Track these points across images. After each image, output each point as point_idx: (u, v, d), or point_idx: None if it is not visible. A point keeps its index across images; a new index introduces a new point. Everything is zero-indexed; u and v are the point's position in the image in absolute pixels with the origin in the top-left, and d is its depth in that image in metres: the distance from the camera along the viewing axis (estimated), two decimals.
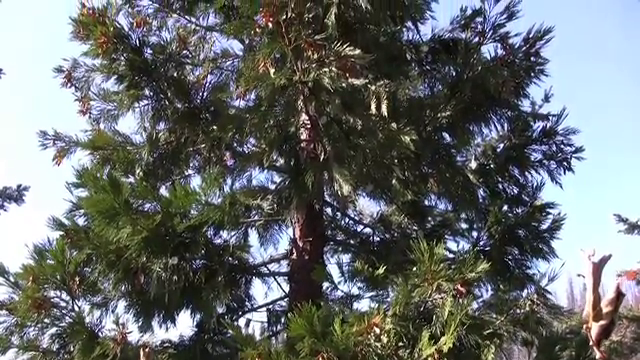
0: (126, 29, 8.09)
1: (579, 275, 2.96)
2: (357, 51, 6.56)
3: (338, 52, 6.56)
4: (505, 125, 8.68)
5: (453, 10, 8.76)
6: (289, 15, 6.59)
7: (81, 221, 7.90)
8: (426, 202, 9.44)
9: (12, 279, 7.45)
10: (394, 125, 7.26)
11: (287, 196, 8.18)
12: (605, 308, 3.03)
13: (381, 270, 6.89)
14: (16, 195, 20.12)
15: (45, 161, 9.12)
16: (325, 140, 7.66)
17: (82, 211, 7.89)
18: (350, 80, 6.67)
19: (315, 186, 7.43)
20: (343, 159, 7.50)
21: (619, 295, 3.03)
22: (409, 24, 8.79)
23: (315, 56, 6.63)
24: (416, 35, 8.85)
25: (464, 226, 9.21)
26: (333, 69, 6.56)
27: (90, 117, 9.05)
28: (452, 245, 9.00)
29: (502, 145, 8.97)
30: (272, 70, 6.66)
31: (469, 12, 8.52)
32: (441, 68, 8.76)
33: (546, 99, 8.88)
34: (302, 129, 8.25)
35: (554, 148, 8.80)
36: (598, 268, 2.94)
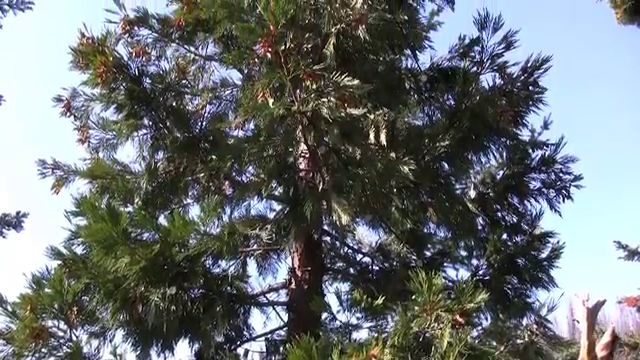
0: (125, 58, 8.15)
1: (574, 320, 2.95)
2: (356, 81, 6.57)
3: (337, 82, 6.57)
4: (504, 154, 8.67)
5: (452, 38, 8.83)
6: (288, 45, 6.60)
7: (79, 250, 7.87)
8: (425, 230, 9.42)
9: (10, 308, 7.40)
10: (393, 155, 7.28)
11: (286, 226, 8.17)
12: (600, 352, 3.01)
13: (380, 300, 6.85)
14: (15, 222, 20.07)
15: (44, 189, 9.11)
16: (324, 170, 7.65)
17: (80, 239, 7.86)
18: (349, 110, 6.68)
19: (314, 216, 7.40)
20: (342, 189, 7.49)
21: (615, 339, 3.01)
22: (408, 52, 8.84)
23: (314, 86, 6.64)
24: (414, 63, 8.89)
25: (463, 253, 9.18)
26: (332, 99, 6.56)
27: (89, 146, 9.07)
28: (451, 273, 8.99)
29: (501, 172, 8.97)
30: (271, 100, 6.66)
31: (467, 41, 8.56)
32: (440, 97, 8.78)
33: (545, 126, 8.88)
34: (301, 159, 8.26)
35: (553, 176, 8.80)
36: (592, 313, 2.93)
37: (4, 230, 19.90)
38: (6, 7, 19.77)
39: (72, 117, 8.90)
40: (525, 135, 8.78)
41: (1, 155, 33.39)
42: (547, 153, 8.74)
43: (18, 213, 20.06)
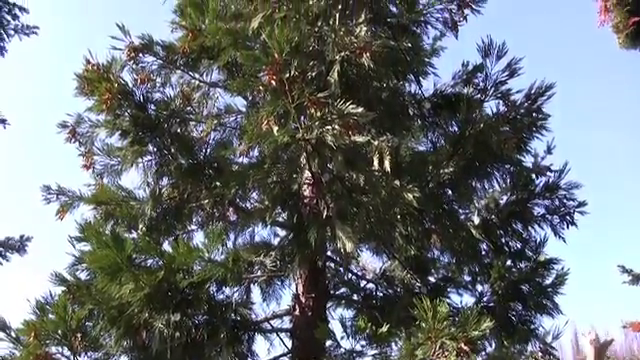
0: (130, 85, 8.19)
1: None
2: (360, 109, 6.61)
3: (341, 110, 6.60)
4: (508, 180, 8.68)
5: (455, 63, 8.88)
6: (292, 73, 6.64)
7: (83, 275, 7.88)
8: (429, 255, 9.41)
9: (14, 334, 7.40)
10: (397, 182, 7.28)
11: (290, 252, 8.17)
12: None
13: (384, 328, 6.85)
14: (18, 245, 20.06)
15: (48, 214, 9.14)
16: (328, 197, 7.66)
17: (85, 265, 7.87)
18: (353, 137, 6.70)
19: (318, 243, 7.40)
20: (346, 216, 7.48)
21: None
22: (411, 78, 8.88)
23: (318, 114, 6.67)
24: (418, 90, 8.94)
25: (467, 278, 9.16)
26: (336, 126, 6.59)
27: (94, 172, 9.11)
28: (456, 298, 8.95)
29: (505, 198, 8.97)
30: (275, 128, 6.69)
31: (470, 67, 8.61)
32: (443, 123, 8.80)
33: (548, 151, 8.90)
34: (305, 185, 8.26)
35: (557, 202, 8.80)
36: (600, 353, 2.91)
37: (7, 254, 19.86)
38: (11, 32, 19.89)
39: (77, 143, 8.93)
40: (529, 161, 8.81)
41: (4, 179, 33.39)
42: (551, 179, 8.75)
43: (22, 237, 20.04)
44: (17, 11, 19.80)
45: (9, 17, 19.80)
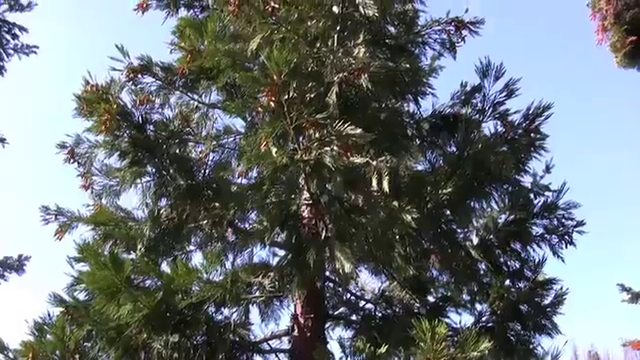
0: (129, 106, 8.20)
1: None
2: (358, 130, 6.64)
3: (339, 131, 6.63)
4: (506, 200, 8.68)
5: (454, 81, 8.92)
6: (291, 94, 6.66)
7: (82, 296, 7.89)
8: (428, 275, 9.40)
9: (12, 355, 7.39)
10: (395, 203, 7.29)
11: (288, 273, 8.16)
12: None
13: (383, 349, 6.84)
14: (17, 265, 20.05)
15: (46, 234, 9.14)
16: (327, 218, 7.67)
17: (83, 285, 7.87)
18: (351, 158, 6.72)
19: (316, 264, 7.40)
20: (345, 237, 7.50)
21: None
22: (409, 97, 8.92)
23: (317, 135, 6.70)
24: (417, 110, 8.98)
25: (466, 297, 9.15)
26: (335, 148, 6.61)
27: (92, 192, 9.11)
28: (455, 317, 8.94)
29: (503, 217, 8.97)
30: (274, 149, 6.72)
31: (469, 88, 8.66)
32: (442, 144, 8.83)
33: (547, 170, 8.92)
34: (304, 206, 8.27)
35: (555, 222, 8.79)
36: None
37: (6, 273, 19.86)
38: (11, 51, 19.97)
39: (76, 163, 8.94)
40: (527, 181, 8.83)
41: (3, 198, 33.38)
42: (549, 199, 8.75)
43: (20, 256, 20.06)
44: (17, 30, 19.91)
45: (9, 36, 19.90)
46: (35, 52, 20.05)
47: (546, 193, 8.81)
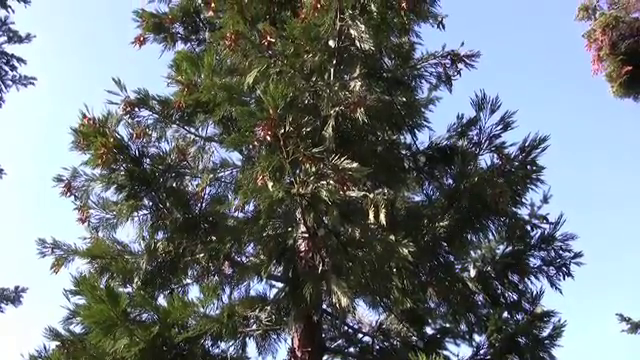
0: (126, 139, 8.21)
1: None
2: (355, 164, 6.64)
3: (336, 165, 6.63)
4: (503, 232, 8.69)
5: (451, 111, 8.96)
6: (287, 128, 6.67)
7: (78, 329, 7.86)
8: (425, 307, 9.38)
9: None
10: (392, 237, 7.28)
11: (285, 306, 8.15)
12: None
13: None
14: (13, 296, 19.96)
15: (43, 265, 9.12)
16: (323, 251, 7.67)
17: (79, 319, 7.84)
18: (348, 192, 6.72)
19: (313, 297, 7.39)
20: (341, 271, 7.49)
21: None
22: (406, 129, 8.94)
23: (313, 169, 6.70)
24: (413, 143, 8.99)
25: (464, 328, 9.13)
26: (331, 182, 6.61)
27: (89, 225, 9.08)
28: (453, 348, 8.94)
29: (501, 247, 8.98)
30: (270, 183, 6.72)
31: (465, 120, 8.68)
32: (439, 176, 8.85)
33: (545, 200, 8.94)
34: (300, 240, 8.27)
35: (553, 254, 8.80)
36: None
37: (2, 305, 19.77)
38: (9, 83, 20.03)
39: (72, 197, 8.93)
40: (525, 212, 8.84)
41: (1, 230, 33.31)
42: (546, 231, 8.76)
43: (17, 288, 19.97)
44: (15, 62, 19.98)
45: (7, 68, 19.97)
46: (33, 83, 20.12)
47: (543, 224, 8.83)
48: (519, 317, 8.72)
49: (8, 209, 32.65)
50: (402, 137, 9.22)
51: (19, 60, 20.00)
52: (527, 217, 8.93)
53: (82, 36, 35.18)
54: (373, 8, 7.85)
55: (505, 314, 8.72)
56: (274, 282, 9.13)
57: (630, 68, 17.98)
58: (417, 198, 9.25)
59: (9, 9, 19.83)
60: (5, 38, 19.79)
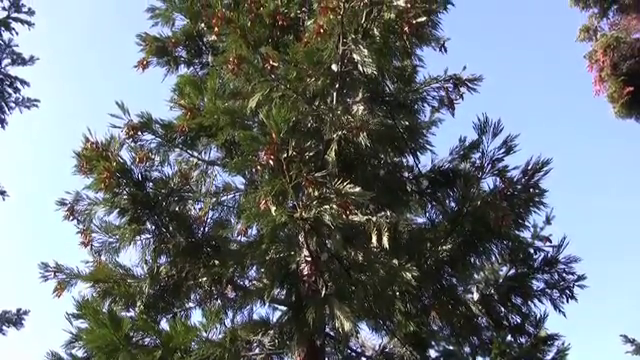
0: (129, 163, 8.25)
1: None
2: (357, 188, 6.65)
3: (339, 190, 6.64)
4: (506, 256, 8.67)
5: (453, 133, 8.97)
6: (290, 153, 6.69)
7: (80, 353, 7.84)
8: (429, 329, 9.35)
9: None
10: (395, 261, 7.28)
11: (288, 331, 8.13)
12: None
13: None
14: (15, 319, 19.90)
15: (46, 288, 9.10)
16: (326, 275, 7.66)
17: (81, 342, 7.82)
18: (351, 217, 6.73)
19: (316, 322, 7.37)
20: (344, 295, 7.47)
21: None
22: (408, 152, 8.96)
23: (316, 193, 6.71)
24: (416, 166, 9.01)
25: (468, 351, 9.09)
26: (334, 206, 6.61)
27: (92, 249, 9.06)
28: None
29: (504, 269, 8.96)
30: (273, 208, 6.71)
31: (467, 143, 8.70)
32: (441, 199, 8.85)
33: (547, 222, 8.93)
34: (303, 264, 8.26)
35: (556, 277, 8.77)
36: None
37: (4, 327, 19.71)
38: (12, 105, 20.08)
39: (75, 220, 8.92)
40: (528, 234, 8.83)
41: (2, 251, 33.32)
42: (550, 254, 8.75)
43: (19, 310, 19.91)
44: (18, 84, 20.05)
45: (10, 90, 20.04)
46: (36, 106, 20.18)
47: (547, 246, 8.82)
48: (523, 340, 8.69)
49: (10, 231, 32.65)
50: (405, 160, 9.24)
51: (22, 82, 20.07)
52: (530, 239, 8.92)
53: (85, 59, 35.31)
54: (376, 32, 7.87)
55: (509, 337, 8.67)
56: (277, 306, 9.12)
57: (632, 89, 18.03)
58: (420, 220, 9.25)
59: (13, 31, 19.93)
60: (9, 60, 19.87)
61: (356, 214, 6.98)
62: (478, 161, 8.38)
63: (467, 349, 9.05)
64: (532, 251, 8.80)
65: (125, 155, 8.38)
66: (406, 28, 7.73)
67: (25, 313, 19.97)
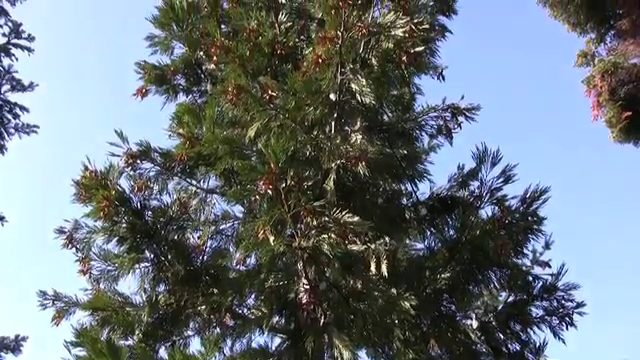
0: (128, 192, 8.25)
1: None
2: (356, 217, 6.68)
3: (337, 219, 6.66)
4: (505, 283, 8.68)
5: (451, 159, 9.00)
6: (288, 182, 6.71)
7: None
8: (427, 357, 9.33)
9: None
10: (394, 290, 7.29)
11: (287, 359, 8.11)
12: None
13: None
14: (13, 345, 19.88)
15: (44, 315, 9.09)
16: (325, 304, 7.66)
17: None
18: (349, 246, 6.75)
19: (315, 350, 7.36)
20: (343, 323, 7.48)
21: None
22: (407, 180, 8.99)
23: (314, 222, 6.73)
24: (414, 194, 9.02)
25: None
26: (332, 235, 6.63)
27: (90, 277, 9.05)
28: None
29: (503, 294, 8.95)
30: (271, 237, 6.73)
31: (466, 170, 8.72)
32: (440, 227, 8.86)
33: (547, 246, 8.95)
34: (302, 292, 8.26)
35: (555, 304, 8.76)
36: None
37: (2, 354, 19.70)
38: (12, 131, 20.16)
39: (74, 248, 8.93)
40: (527, 261, 8.83)
41: (2, 278, 33.27)
42: (549, 281, 8.75)
43: (17, 336, 19.91)
44: (18, 110, 20.14)
45: (10, 116, 20.12)
46: (36, 132, 20.28)
47: (546, 273, 8.83)
48: None
49: (9, 256, 32.62)
50: (403, 187, 9.25)
51: (22, 108, 20.20)
52: (529, 264, 8.93)
53: (84, 86, 35.48)
54: (374, 62, 7.93)
55: None
56: (276, 334, 9.11)
57: (630, 113, 18.11)
58: (419, 245, 9.25)
59: (13, 57, 20.05)
60: (9, 86, 19.98)
61: (355, 242, 7.00)
62: (477, 190, 8.41)
63: None
64: (531, 278, 8.81)
65: (124, 183, 8.40)
66: (404, 57, 7.77)
67: (23, 339, 20.00)
